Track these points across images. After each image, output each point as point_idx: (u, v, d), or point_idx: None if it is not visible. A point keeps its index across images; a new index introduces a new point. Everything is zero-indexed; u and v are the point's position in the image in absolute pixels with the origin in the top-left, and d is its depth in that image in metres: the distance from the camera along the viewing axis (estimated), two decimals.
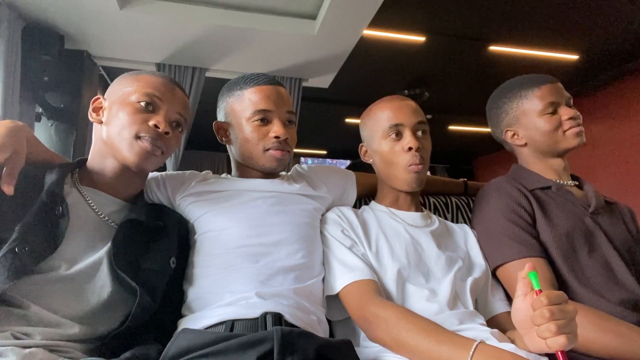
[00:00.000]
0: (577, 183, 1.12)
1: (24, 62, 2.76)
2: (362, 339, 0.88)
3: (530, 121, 1.09)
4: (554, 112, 1.06)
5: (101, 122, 0.88)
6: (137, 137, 0.84)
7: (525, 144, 1.12)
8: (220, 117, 1.05)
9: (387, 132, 0.98)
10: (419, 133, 0.99)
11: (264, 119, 0.97)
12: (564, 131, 1.05)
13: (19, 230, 0.71)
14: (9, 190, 0.72)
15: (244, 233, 0.89)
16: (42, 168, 0.84)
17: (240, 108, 0.99)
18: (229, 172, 1.11)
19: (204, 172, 1.08)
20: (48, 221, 0.75)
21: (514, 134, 1.13)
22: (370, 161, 1.08)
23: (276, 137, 0.95)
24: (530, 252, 0.94)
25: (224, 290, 0.83)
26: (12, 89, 2.61)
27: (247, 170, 1.03)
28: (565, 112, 1.06)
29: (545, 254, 0.96)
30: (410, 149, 0.95)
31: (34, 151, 0.85)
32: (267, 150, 0.97)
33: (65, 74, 3.04)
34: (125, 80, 0.90)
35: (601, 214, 1.05)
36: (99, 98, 0.91)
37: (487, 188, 1.11)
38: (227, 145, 1.06)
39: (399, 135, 0.98)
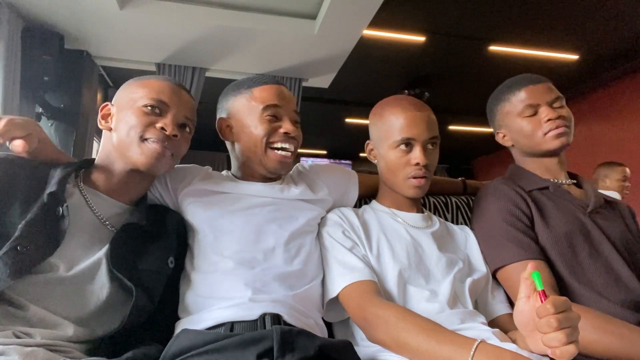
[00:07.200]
0: (575, 182, 1.12)
1: (24, 62, 2.76)
2: (360, 339, 0.89)
3: (512, 123, 1.09)
4: (534, 114, 1.05)
5: (110, 129, 0.89)
6: (144, 138, 0.85)
7: (513, 146, 1.13)
8: (223, 115, 1.04)
9: (398, 142, 0.96)
10: (429, 147, 0.97)
11: (275, 115, 0.97)
12: (544, 134, 1.04)
13: (22, 229, 0.71)
14: (23, 146, 0.81)
15: (242, 239, 0.89)
16: (49, 167, 0.84)
17: (248, 106, 0.98)
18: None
19: (205, 167, 1.08)
20: (49, 221, 0.75)
21: (503, 136, 1.15)
22: (375, 161, 1.07)
23: (286, 132, 0.96)
24: (529, 254, 0.94)
25: (220, 295, 0.83)
26: (12, 89, 2.62)
27: (248, 171, 1.02)
28: (545, 114, 1.03)
29: (545, 256, 0.96)
30: (417, 164, 0.94)
31: (45, 149, 0.87)
32: (273, 148, 0.97)
33: (65, 74, 3.04)
34: (132, 87, 0.91)
35: (600, 213, 1.04)
36: (107, 105, 0.92)
37: (485, 190, 1.11)
38: (229, 145, 1.05)
39: (408, 146, 0.96)
